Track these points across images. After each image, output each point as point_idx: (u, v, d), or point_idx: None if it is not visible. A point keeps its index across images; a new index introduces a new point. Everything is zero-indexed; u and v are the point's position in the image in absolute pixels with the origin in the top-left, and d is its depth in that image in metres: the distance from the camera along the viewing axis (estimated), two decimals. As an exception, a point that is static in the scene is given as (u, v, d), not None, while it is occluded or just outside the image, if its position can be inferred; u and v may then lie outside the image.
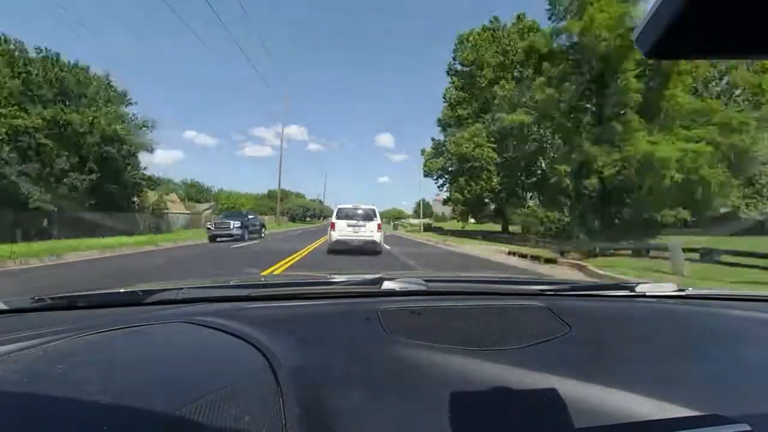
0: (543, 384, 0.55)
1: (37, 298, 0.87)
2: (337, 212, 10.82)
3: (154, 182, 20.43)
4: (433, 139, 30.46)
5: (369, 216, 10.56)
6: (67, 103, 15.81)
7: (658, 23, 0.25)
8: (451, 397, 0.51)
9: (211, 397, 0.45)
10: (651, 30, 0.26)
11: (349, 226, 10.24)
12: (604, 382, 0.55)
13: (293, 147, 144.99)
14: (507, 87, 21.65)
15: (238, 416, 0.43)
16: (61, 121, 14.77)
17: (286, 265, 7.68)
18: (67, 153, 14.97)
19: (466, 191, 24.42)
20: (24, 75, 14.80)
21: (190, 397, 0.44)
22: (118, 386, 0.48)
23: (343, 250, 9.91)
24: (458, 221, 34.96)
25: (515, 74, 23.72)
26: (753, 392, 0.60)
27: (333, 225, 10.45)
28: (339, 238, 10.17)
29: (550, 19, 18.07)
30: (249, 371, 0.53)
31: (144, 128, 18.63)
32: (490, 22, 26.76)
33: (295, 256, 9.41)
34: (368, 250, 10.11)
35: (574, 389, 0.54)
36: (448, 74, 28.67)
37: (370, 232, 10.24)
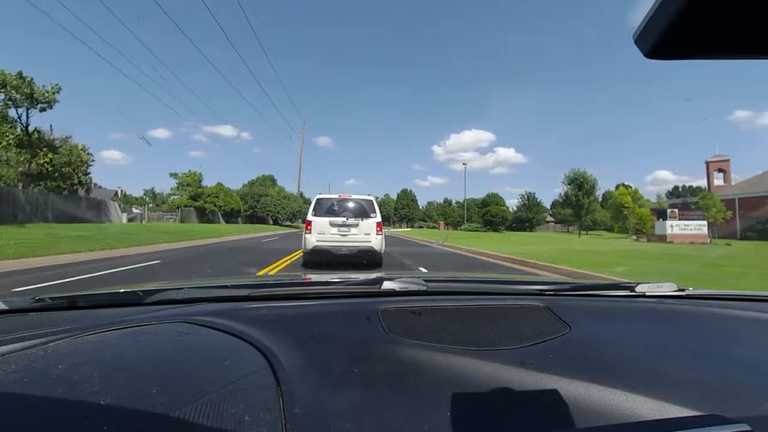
0: (543, 384, 0.55)
1: (37, 297, 0.87)
2: (316, 205, 7.22)
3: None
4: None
5: (364, 211, 7.18)
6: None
7: (658, 23, 0.25)
8: (451, 397, 0.51)
9: (211, 397, 0.45)
10: (651, 30, 0.25)
11: (333, 226, 6.97)
12: (604, 383, 0.55)
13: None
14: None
15: (239, 416, 0.43)
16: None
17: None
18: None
19: None
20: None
21: (191, 397, 0.45)
22: (118, 386, 0.48)
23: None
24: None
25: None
26: (753, 392, 0.60)
27: (309, 225, 6.97)
28: (318, 244, 6.86)
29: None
30: (249, 371, 0.53)
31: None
32: None
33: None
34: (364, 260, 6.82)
35: (573, 389, 0.54)
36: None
37: (365, 234, 7.00)
